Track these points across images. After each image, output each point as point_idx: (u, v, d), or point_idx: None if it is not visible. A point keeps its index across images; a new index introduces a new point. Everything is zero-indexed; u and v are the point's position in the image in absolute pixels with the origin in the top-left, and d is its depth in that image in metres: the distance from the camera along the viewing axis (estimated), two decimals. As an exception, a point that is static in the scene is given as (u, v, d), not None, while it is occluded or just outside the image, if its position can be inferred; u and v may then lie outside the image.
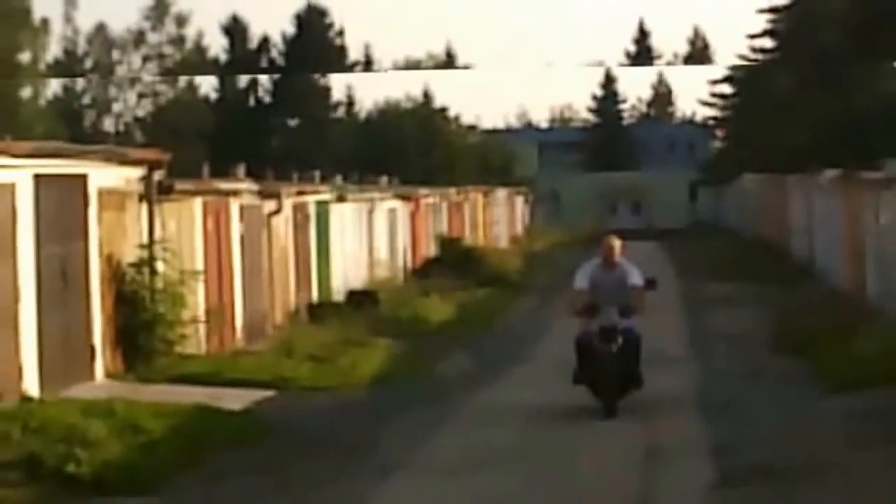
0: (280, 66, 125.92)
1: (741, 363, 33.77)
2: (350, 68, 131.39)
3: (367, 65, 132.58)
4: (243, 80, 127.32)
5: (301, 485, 19.99)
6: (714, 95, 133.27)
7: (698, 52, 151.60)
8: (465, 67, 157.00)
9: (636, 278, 24.18)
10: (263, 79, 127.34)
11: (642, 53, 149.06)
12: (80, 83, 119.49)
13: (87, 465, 20.57)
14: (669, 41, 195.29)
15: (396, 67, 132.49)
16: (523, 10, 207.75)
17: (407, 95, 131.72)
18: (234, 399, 27.97)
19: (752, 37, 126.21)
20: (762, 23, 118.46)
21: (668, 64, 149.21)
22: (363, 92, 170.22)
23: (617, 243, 25.02)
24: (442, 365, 35.58)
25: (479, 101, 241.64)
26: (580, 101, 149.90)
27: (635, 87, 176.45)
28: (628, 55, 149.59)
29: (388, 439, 23.66)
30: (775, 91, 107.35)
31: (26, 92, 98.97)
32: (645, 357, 30.96)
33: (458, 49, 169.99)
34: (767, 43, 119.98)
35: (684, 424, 24.20)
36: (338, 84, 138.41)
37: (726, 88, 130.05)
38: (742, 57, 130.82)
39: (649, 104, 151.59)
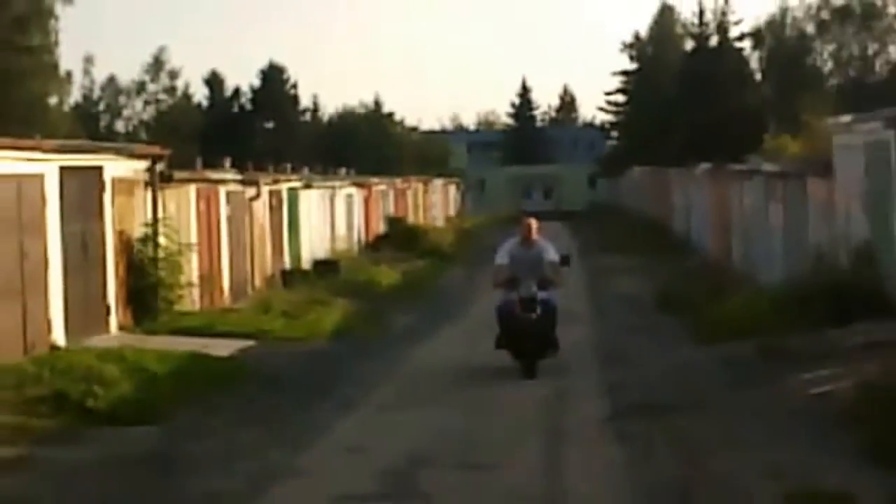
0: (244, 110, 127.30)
1: (632, 320, 33.87)
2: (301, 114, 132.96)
3: (314, 111, 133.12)
4: (229, 90, 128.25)
5: (275, 417, 20.09)
6: (609, 104, 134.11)
7: (567, 105, 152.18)
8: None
9: (552, 255, 22.78)
10: (245, 90, 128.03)
11: (524, 104, 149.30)
12: (96, 92, 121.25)
13: (102, 400, 20.73)
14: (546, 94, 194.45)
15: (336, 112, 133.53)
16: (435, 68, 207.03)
17: (361, 102, 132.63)
18: (222, 347, 28.07)
19: (608, 93, 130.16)
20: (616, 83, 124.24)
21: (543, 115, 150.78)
22: (326, 100, 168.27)
23: (534, 224, 23.64)
24: (390, 320, 35.81)
25: (418, 108, 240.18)
26: (501, 108, 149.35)
27: (546, 97, 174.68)
28: (513, 105, 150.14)
29: (347, 381, 23.77)
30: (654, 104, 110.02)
31: (53, 100, 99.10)
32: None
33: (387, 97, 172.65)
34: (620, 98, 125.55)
35: (586, 370, 24.29)
36: (305, 93, 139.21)
37: (620, 97, 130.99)
38: (601, 109, 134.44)
39: (557, 110, 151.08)
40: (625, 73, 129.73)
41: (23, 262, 25.77)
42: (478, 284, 42.78)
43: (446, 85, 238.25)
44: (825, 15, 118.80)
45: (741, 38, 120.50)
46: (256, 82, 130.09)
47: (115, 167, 31.89)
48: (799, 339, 24.39)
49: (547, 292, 22.98)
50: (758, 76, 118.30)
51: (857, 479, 13.90)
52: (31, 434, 18.40)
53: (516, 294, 20.76)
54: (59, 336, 26.80)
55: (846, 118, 34.80)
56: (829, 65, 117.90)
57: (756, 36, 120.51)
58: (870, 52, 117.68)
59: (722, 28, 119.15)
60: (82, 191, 29.15)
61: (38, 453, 17.26)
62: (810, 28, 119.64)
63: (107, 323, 29.99)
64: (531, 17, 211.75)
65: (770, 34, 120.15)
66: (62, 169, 28.20)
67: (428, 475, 15.39)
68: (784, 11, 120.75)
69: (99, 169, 30.74)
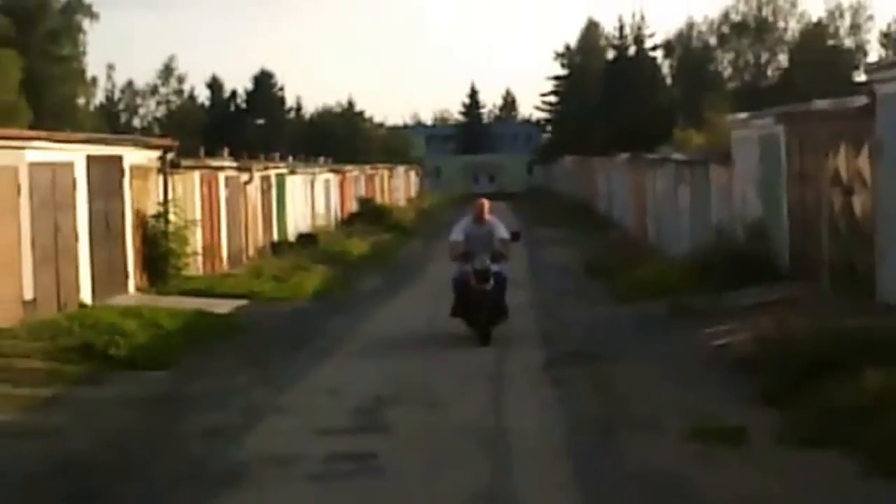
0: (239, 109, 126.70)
1: (563, 284, 33.90)
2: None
3: (298, 109, 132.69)
4: (227, 92, 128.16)
5: (266, 363, 20.29)
6: (544, 103, 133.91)
7: (509, 105, 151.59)
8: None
9: (503, 232, 21.44)
10: (240, 92, 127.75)
11: (472, 104, 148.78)
12: (116, 94, 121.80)
13: (122, 349, 20.94)
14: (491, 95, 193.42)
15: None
16: (398, 73, 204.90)
17: (337, 103, 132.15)
18: (222, 306, 28.28)
19: (543, 95, 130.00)
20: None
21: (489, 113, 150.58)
22: (308, 100, 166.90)
23: (486, 204, 22.27)
24: (360, 283, 35.88)
25: (384, 106, 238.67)
26: (454, 107, 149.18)
27: (491, 97, 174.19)
28: (464, 104, 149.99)
29: (323, 334, 23.90)
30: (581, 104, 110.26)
31: (80, 100, 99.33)
32: None
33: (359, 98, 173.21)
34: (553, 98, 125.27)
35: (524, 326, 24.33)
36: (290, 95, 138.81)
37: (553, 98, 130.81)
38: (537, 108, 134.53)
39: (501, 109, 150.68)
40: (557, 77, 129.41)
41: (56, 235, 25.94)
42: (433, 254, 42.86)
43: (408, 87, 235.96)
44: (725, 29, 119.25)
45: (654, 48, 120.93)
46: (250, 86, 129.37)
47: (133, 156, 32.10)
48: (702, 299, 24.68)
49: (498, 265, 21.66)
50: (668, 80, 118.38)
51: (751, 416, 14.12)
52: (64, 377, 18.58)
53: (470, 267, 19.60)
54: (86, 296, 27.01)
55: (743, 115, 35.14)
56: (729, 70, 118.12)
57: (667, 46, 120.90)
58: (762, 59, 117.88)
59: (638, 40, 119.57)
60: (105, 176, 29.28)
61: (69, 393, 17.45)
62: (712, 40, 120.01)
63: (126, 285, 30.09)
64: (480, 28, 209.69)
65: (678, 45, 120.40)
66: (89, 157, 28.52)
67: (391, 412, 15.56)
68: (690, 26, 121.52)
69: (119, 157, 30.94)
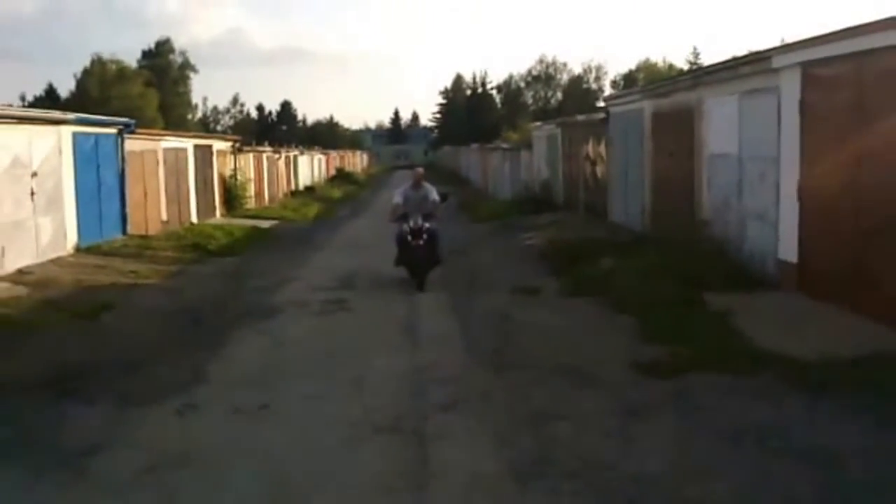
0: (273, 121, 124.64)
1: (444, 214, 33.93)
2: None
3: (304, 121, 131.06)
4: (265, 111, 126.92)
5: (287, 253, 19.87)
6: (433, 118, 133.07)
7: (415, 118, 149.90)
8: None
9: (434, 195, 16.37)
10: (273, 111, 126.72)
11: (396, 119, 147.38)
12: (208, 113, 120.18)
13: (213, 245, 20.73)
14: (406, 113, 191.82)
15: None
16: (356, 101, 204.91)
17: (324, 118, 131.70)
18: (265, 223, 27.75)
19: (434, 113, 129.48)
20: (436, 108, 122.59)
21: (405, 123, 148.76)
22: (309, 115, 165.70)
23: (421, 172, 17.13)
24: (338, 212, 35.35)
25: (350, 119, 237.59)
26: (386, 119, 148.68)
27: (406, 114, 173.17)
28: (391, 119, 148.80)
29: (319, 238, 23.51)
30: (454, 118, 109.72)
31: (189, 116, 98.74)
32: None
33: (337, 114, 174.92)
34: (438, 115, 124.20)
35: None
36: (300, 113, 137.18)
37: (438, 115, 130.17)
38: (430, 120, 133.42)
39: (411, 120, 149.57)
40: (440, 104, 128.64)
41: (178, 188, 25.48)
42: (377, 197, 42.49)
43: (361, 108, 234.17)
44: (529, 78, 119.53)
45: (492, 88, 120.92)
46: (277, 108, 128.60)
47: (218, 145, 31.58)
48: (517, 220, 24.71)
49: (431, 223, 16.18)
50: (499, 105, 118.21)
51: (544, 281, 14.10)
52: (183, 261, 18.23)
53: (407, 226, 15.08)
54: (194, 218, 26.48)
55: (538, 123, 35.13)
56: (531, 101, 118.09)
57: (499, 88, 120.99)
58: (549, 95, 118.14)
59: (483, 83, 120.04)
60: (203, 155, 28.77)
61: (185, 269, 17.15)
62: (522, 84, 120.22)
63: (215, 212, 29.27)
64: (400, 76, 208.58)
65: (505, 87, 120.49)
66: (195, 145, 28.01)
67: (355, 279, 15.40)
68: (511, 76, 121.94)
69: (210, 146, 30.40)
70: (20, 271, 15.37)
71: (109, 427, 7.17)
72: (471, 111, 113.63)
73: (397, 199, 15.19)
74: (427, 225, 14.74)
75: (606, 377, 8.17)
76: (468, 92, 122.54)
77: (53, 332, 10.94)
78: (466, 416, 7.24)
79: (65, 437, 6.97)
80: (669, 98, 17.28)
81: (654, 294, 11.26)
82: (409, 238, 14.46)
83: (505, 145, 42.09)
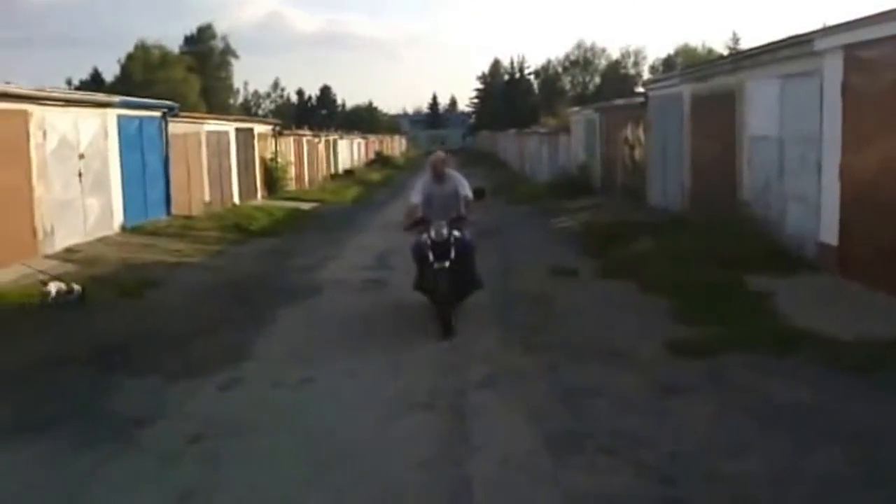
0: (313, 106, 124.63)
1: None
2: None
3: (343, 106, 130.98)
4: (305, 96, 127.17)
5: (327, 234, 20.07)
6: (470, 103, 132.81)
7: (453, 104, 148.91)
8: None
9: (466, 189, 11.23)
10: (313, 96, 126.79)
11: (434, 104, 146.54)
12: (249, 98, 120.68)
13: (255, 226, 20.94)
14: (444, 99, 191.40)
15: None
16: (395, 88, 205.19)
17: (363, 103, 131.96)
18: (305, 205, 28.13)
19: (471, 98, 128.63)
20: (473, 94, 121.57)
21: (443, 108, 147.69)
22: (348, 100, 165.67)
23: (441, 156, 11.72)
24: (376, 195, 35.44)
25: (388, 103, 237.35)
26: (424, 104, 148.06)
27: (444, 100, 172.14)
28: (429, 104, 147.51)
29: (358, 220, 23.70)
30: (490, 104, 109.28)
31: (231, 101, 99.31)
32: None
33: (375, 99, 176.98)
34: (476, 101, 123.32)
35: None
36: (339, 97, 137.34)
37: (476, 101, 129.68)
38: (467, 105, 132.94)
39: (449, 105, 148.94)
40: (478, 89, 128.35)
41: (220, 170, 25.72)
42: (415, 181, 42.47)
43: (400, 94, 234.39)
44: (567, 63, 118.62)
45: (529, 74, 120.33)
46: (317, 93, 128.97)
47: (259, 128, 31.86)
48: (553, 204, 24.67)
49: (462, 231, 10.83)
50: (536, 91, 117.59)
51: (580, 263, 14.04)
52: (225, 241, 18.48)
53: (428, 238, 10.21)
54: (236, 199, 26.77)
55: (576, 108, 34.90)
56: (569, 86, 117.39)
57: (536, 73, 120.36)
58: (586, 80, 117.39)
59: (521, 69, 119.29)
60: (245, 138, 29.05)
61: (227, 249, 17.36)
62: (560, 69, 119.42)
63: (256, 194, 29.58)
64: (437, 64, 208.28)
65: (542, 72, 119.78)
66: (237, 129, 28.22)
67: (392, 258, 15.44)
68: (549, 61, 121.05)
69: (251, 129, 30.64)
70: (68, 250, 15.66)
71: (157, 399, 7.32)
72: (508, 96, 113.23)
73: (414, 197, 10.57)
74: (456, 234, 9.98)
75: (643, 356, 8.17)
76: (506, 77, 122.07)
77: (101, 308, 11.16)
78: (503, 392, 7.28)
79: (114, 407, 7.14)
80: (709, 82, 17.17)
81: (692, 275, 11.22)
82: (431, 257, 9.77)
83: (542, 130, 41.97)
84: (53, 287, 11.44)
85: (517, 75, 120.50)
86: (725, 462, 5.61)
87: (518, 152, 50.74)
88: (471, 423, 6.56)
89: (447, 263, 9.67)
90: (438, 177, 10.62)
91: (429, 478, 5.55)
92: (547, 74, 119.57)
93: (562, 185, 28.28)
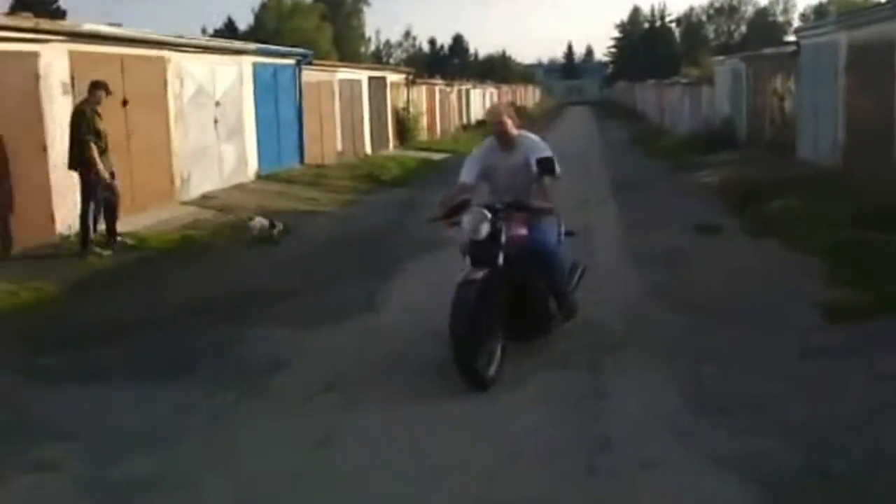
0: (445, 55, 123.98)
1: (618, 148, 33.12)
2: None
3: (476, 55, 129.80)
4: (437, 45, 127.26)
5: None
6: (608, 52, 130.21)
7: (589, 53, 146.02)
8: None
9: (541, 152, 6.69)
10: (444, 45, 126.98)
11: (570, 52, 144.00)
12: (380, 47, 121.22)
13: (386, 176, 21.25)
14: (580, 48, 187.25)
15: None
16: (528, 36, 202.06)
17: (496, 51, 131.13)
18: (436, 155, 28.25)
19: (609, 47, 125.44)
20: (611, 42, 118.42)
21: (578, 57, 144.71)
22: (480, 49, 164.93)
23: (503, 106, 7.60)
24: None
25: (522, 52, 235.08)
26: (559, 54, 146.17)
27: (580, 49, 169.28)
28: (564, 54, 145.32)
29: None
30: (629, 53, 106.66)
31: (362, 49, 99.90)
32: (579, 141, 29.77)
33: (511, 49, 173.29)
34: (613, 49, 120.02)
35: (598, 169, 23.76)
36: (472, 47, 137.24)
37: (613, 49, 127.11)
38: (604, 55, 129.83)
39: (585, 55, 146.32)
40: (616, 38, 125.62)
41: (353, 119, 26.11)
42: (549, 133, 41.93)
43: (536, 43, 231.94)
44: (711, 11, 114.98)
45: (671, 21, 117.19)
46: (449, 42, 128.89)
47: (391, 77, 32.13)
48: (694, 158, 24.01)
49: (538, 227, 6.67)
50: (678, 39, 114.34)
51: (723, 220, 13.65)
52: (358, 190, 18.81)
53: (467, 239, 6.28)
54: (368, 149, 27.15)
55: (721, 58, 33.82)
56: (712, 35, 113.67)
57: (678, 21, 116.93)
58: (731, 28, 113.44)
59: (662, 17, 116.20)
60: (377, 87, 29.34)
61: (360, 198, 17.63)
62: (704, 17, 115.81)
63: (388, 144, 29.97)
64: (575, 12, 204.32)
65: (684, 20, 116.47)
66: (369, 77, 28.50)
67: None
68: (691, 8, 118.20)
69: (384, 77, 30.94)
70: (205, 196, 16.18)
71: (287, 347, 7.48)
72: (648, 45, 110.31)
73: (466, 175, 6.97)
74: (521, 231, 6.53)
75: (788, 319, 7.86)
76: (645, 25, 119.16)
77: (236, 254, 11.51)
78: (640, 350, 7.14)
79: (245, 354, 7.36)
80: (868, 29, 16.37)
81: (845, 234, 10.75)
82: (467, 264, 6.32)
83: (684, 80, 40.88)
84: (257, 223, 12.16)
85: (657, 23, 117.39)
86: (884, 434, 5.34)
87: (657, 104, 49.59)
88: (607, 378, 6.50)
89: (480, 275, 6.05)
90: (505, 141, 6.94)
91: (563, 434, 5.49)
92: (689, 23, 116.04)
93: (703, 138, 27.52)
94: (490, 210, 6.37)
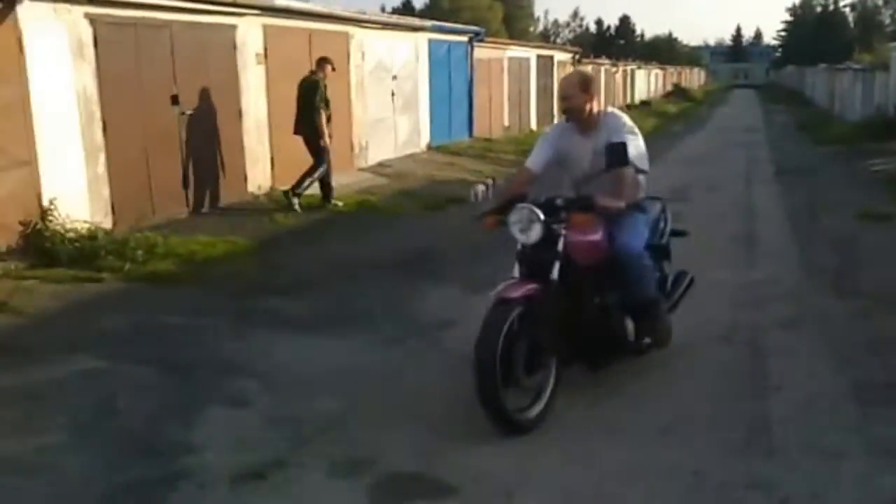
0: (611, 35, 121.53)
1: (784, 132, 31.80)
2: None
3: (642, 36, 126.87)
4: (604, 27, 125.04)
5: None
6: (777, 35, 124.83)
7: (757, 36, 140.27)
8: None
9: (630, 147, 4.85)
10: (611, 26, 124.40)
11: (737, 37, 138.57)
12: (548, 27, 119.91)
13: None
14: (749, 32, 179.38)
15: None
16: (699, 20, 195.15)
17: (663, 33, 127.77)
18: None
19: (778, 31, 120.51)
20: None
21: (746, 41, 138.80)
22: (647, 31, 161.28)
23: (582, 71, 5.56)
24: (672, 127, 34.03)
25: (689, 35, 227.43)
26: (727, 37, 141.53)
27: (749, 33, 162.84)
28: (732, 37, 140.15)
29: (652, 152, 22.93)
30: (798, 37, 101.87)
31: (531, 29, 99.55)
32: (743, 124, 28.78)
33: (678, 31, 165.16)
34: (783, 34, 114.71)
35: (761, 154, 23.00)
36: (638, 28, 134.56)
37: (783, 33, 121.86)
38: (774, 39, 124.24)
39: (754, 38, 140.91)
40: (786, 21, 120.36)
41: (520, 96, 26.11)
42: (713, 115, 41.02)
43: (702, 25, 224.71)
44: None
45: (846, 6, 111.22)
46: (615, 23, 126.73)
47: (558, 56, 31.79)
48: (866, 145, 22.76)
49: (619, 225, 5.02)
50: (852, 24, 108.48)
51: (893, 208, 12.96)
52: (521, 164, 18.75)
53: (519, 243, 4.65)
54: (534, 125, 26.78)
55: (898, 44, 31.97)
56: (888, 20, 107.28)
57: (852, 6, 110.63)
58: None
59: (835, 2, 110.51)
60: (545, 65, 29.15)
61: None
62: (880, 1, 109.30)
63: (552, 120, 29.01)
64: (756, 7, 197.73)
65: (859, 4, 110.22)
66: (537, 56, 28.30)
67: (691, 191, 14.91)
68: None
69: (552, 56, 30.70)
70: (380, 164, 16.59)
71: (457, 306, 7.63)
72: (819, 30, 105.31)
73: (535, 158, 5.49)
74: (591, 237, 4.99)
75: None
76: (818, 9, 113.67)
77: (409, 219, 11.78)
78: (806, 334, 6.91)
79: (419, 311, 7.60)
80: None
81: None
82: (515, 273, 4.90)
83: (856, 66, 38.75)
84: (481, 187, 12.40)
85: (831, 7, 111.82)
86: None
87: (827, 89, 47.23)
88: (772, 360, 6.31)
89: (523, 290, 4.63)
90: (582, 121, 5.38)
91: (725, 411, 5.38)
92: (865, 7, 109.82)
93: (876, 125, 26.04)
94: (547, 207, 4.86)
